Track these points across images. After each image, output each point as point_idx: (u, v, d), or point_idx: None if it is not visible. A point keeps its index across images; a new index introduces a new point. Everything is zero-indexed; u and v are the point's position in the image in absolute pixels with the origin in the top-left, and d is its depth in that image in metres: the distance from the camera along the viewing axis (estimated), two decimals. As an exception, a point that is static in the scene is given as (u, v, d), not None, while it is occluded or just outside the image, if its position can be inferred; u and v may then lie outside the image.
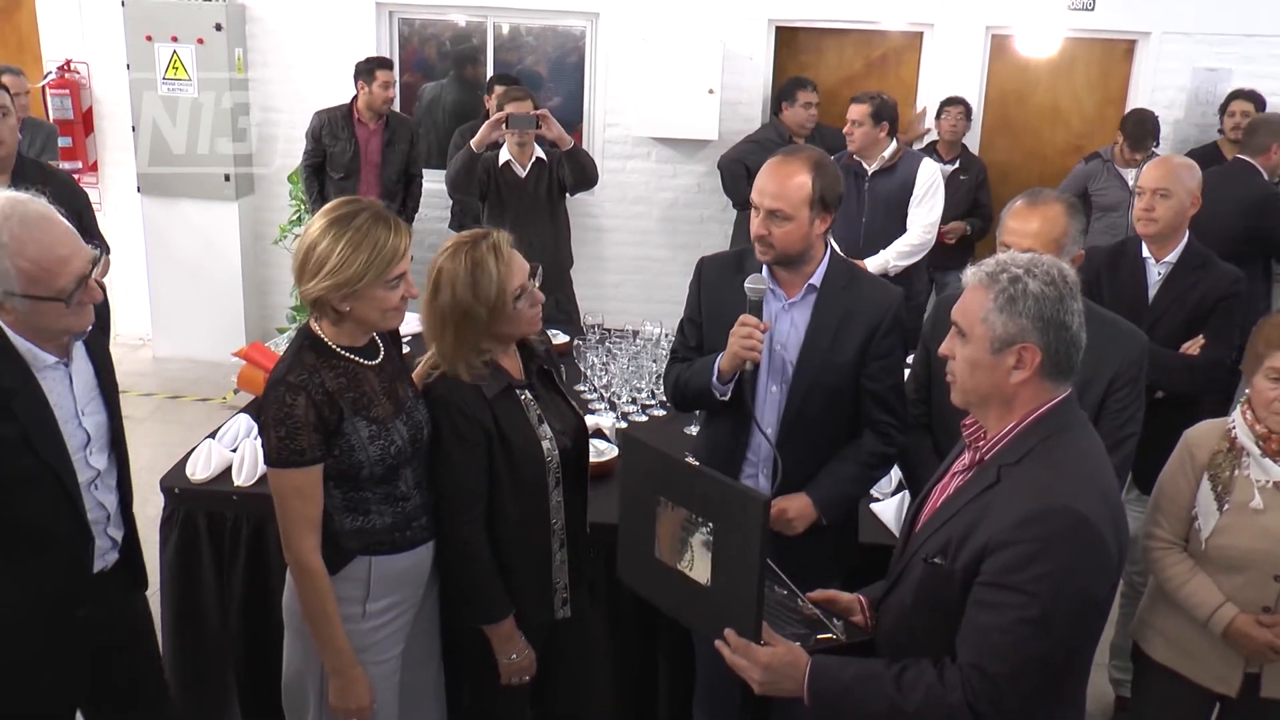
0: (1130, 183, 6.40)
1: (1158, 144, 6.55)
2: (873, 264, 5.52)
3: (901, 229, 5.65)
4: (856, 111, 5.65)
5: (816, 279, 3.05)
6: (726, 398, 3.02)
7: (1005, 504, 2.10)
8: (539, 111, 5.74)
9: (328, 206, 2.66)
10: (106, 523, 2.71)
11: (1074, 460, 2.13)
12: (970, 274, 2.22)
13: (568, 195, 6.11)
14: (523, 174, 5.85)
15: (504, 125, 5.66)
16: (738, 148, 6.87)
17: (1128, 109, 7.15)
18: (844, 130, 5.71)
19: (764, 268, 3.05)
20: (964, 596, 2.12)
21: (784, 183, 2.93)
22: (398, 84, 7.81)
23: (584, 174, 5.89)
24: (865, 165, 5.67)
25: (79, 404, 2.59)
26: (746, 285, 2.95)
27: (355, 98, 6.91)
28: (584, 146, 7.46)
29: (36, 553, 2.53)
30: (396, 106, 7.80)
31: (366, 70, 6.85)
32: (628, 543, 2.60)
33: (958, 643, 2.13)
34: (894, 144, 5.71)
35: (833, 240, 5.38)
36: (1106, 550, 2.06)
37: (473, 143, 5.69)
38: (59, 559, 2.58)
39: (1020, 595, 2.03)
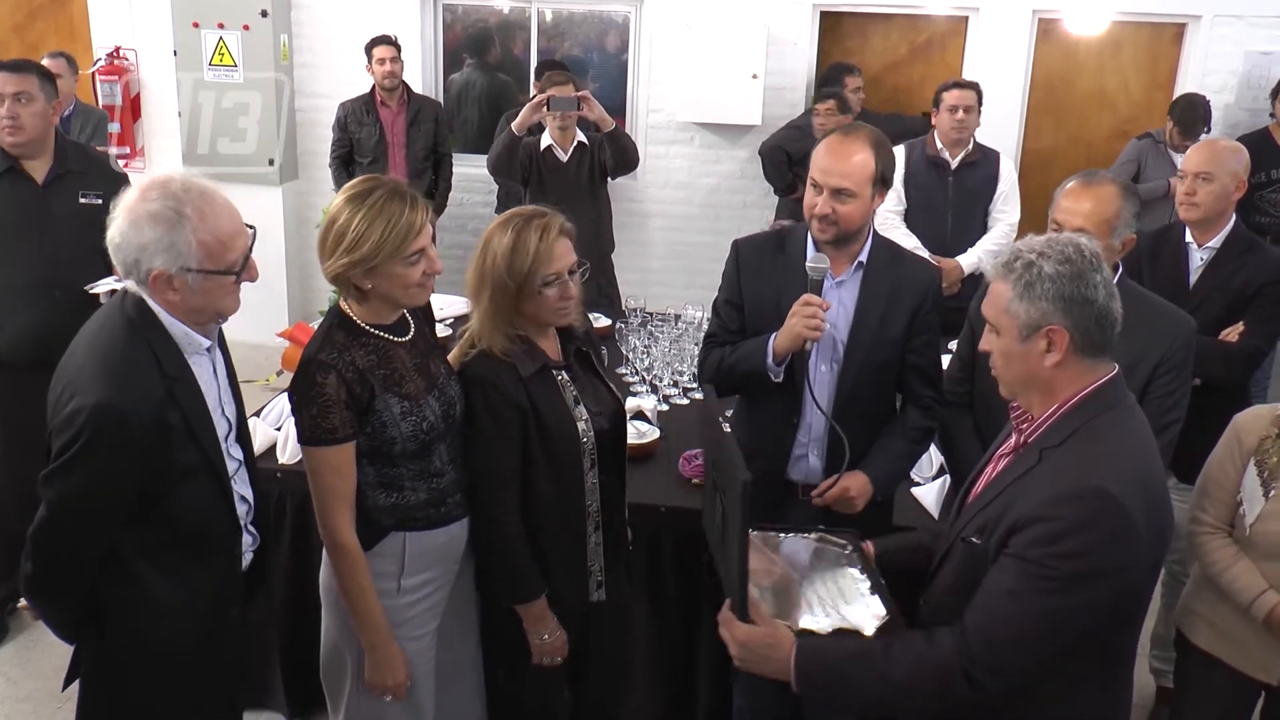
0: (1180, 166, 6.30)
1: (1209, 129, 6.40)
2: (965, 262, 5.33)
3: (982, 226, 5.46)
4: (967, 98, 5.40)
5: (863, 256, 3.06)
6: (780, 379, 3.02)
7: (1040, 483, 2.10)
8: (580, 93, 5.74)
9: (347, 185, 2.66)
10: (247, 516, 2.66)
11: (1115, 443, 2.11)
12: (990, 268, 2.22)
13: (609, 179, 6.12)
14: (564, 158, 5.86)
15: (545, 107, 5.67)
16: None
17: (1176, 93, 7.05)
18: (952, 120, 5.39)
19: (810, 247, 3.05)
20: None
21: (848, 160, 2.93)
22: (438, 69, 7.87)
23: (625, 156, 5.88)
24: (949, 158, 5.46)
25: (220, 391, 2.57)
26: (808, 265, 2.96)
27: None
28: (628, 131, 7.48)
29: (198, 550, 2.49)
30: (439, 93, 7.87)
31: (367, 50, 6.95)
32: (704, 501, 2.65)
33: (966, 609, 2.12)
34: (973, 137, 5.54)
35: (893, 226, 5.38)
36: (1134, 536, 2.03)
37: (514, 125, 5.70)
38: (216, 556, 2.55)
39: (1039, 568, 2.02)
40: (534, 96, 5.88)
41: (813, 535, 2.64)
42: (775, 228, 6.67)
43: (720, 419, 2.51)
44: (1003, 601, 2.06)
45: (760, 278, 3.14)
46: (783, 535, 2.66)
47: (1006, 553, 2.08)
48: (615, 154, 5.83)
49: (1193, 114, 6.36)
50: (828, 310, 2.95)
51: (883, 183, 2.98)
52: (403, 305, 2.71)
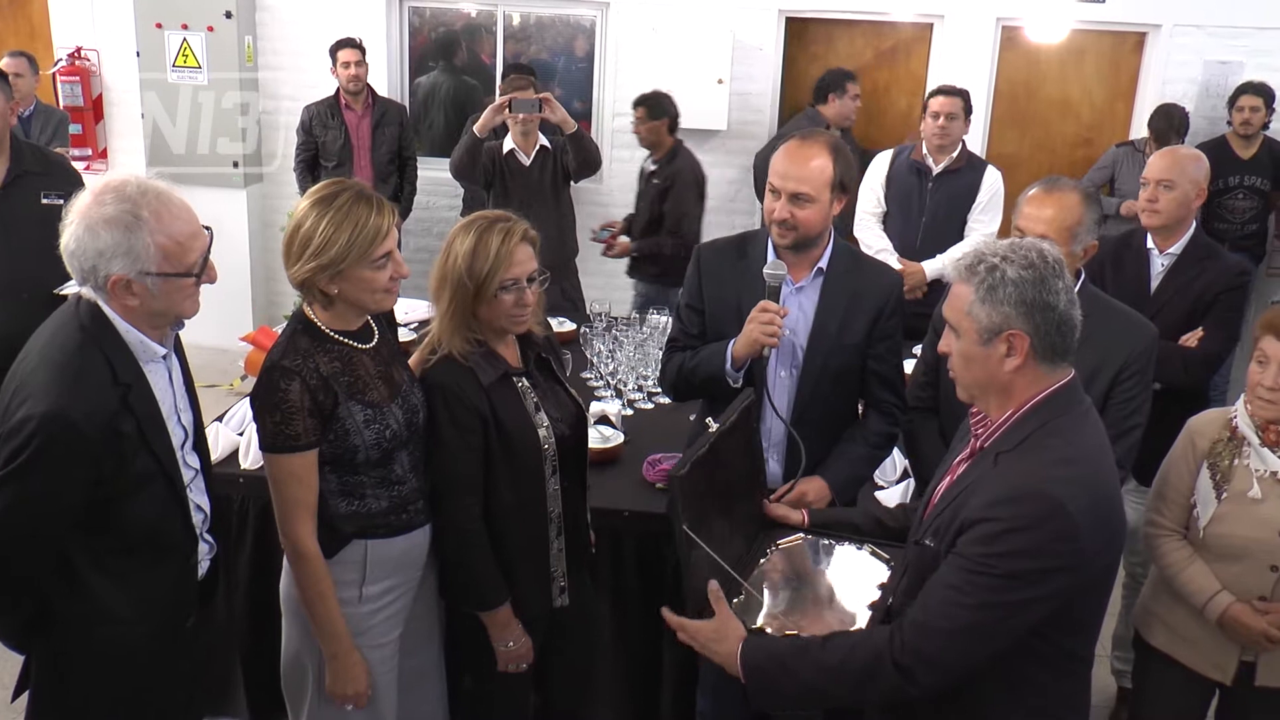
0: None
1: (1183, 140, 6.44)
2: (930, 268, 5.30)
3: (959, 234, 5.39)
4: (950, 104, 5.33)
5: (824, 262, 3.07)
6: (739, 384, 3.02)
7: (989, 485, 2.12)
8: (542, 95, 5.74)
9: (313, 189, 2.64)
10: (203, 525, 2.62)
11: (1065, 447, 2.13)
12: (952, 270, 2.23)
13: (572, 183, 6.11)
14: (527, 162, 5.86)
15: (507, 109, 5.66)
16: (774, 145, 6.66)
17: (1137, 102, 7.13)
18: (934, 126, 5.35)
19: (770, 252, 3.06)
20: None
21: (806, 165, 2.94)
22: (404, 72, 7.85)
23: (587, 158, 5.88)
24: (932, 164, 5.40)
25: (176, 399, 2.53)
26: (765, 271, 2.96)
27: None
28: (593, 136, 7.47)
29: (152, 559, 2.46)
30: (405, 96, 7.84)
31: (332, 53, 6.92)
32: None
33: (909, 605, 2.16)
34: (961, 144, 5.48)
35: (867, 228, 5.37)
36: (1076, 540, 2.04)
37: (475, 127, 5.69)
38: (171, 565, 2.52)
39: (978, 565, 2.05)
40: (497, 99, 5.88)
41: (864, 548, 2.67)
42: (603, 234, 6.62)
43: (709, 420, 2.61)
44: (940, 596, 2.09)
45: (721, 282, 3.14)
46: (835, 544, 2.70)
47: (952, 552, 2.11)
48: (578, 156, 5.82)
49: (1165, 124, 6.45)
50: (785, 317, 2.96)
51: (841, 188, 2.99)
52: (369, 310, 2.69)
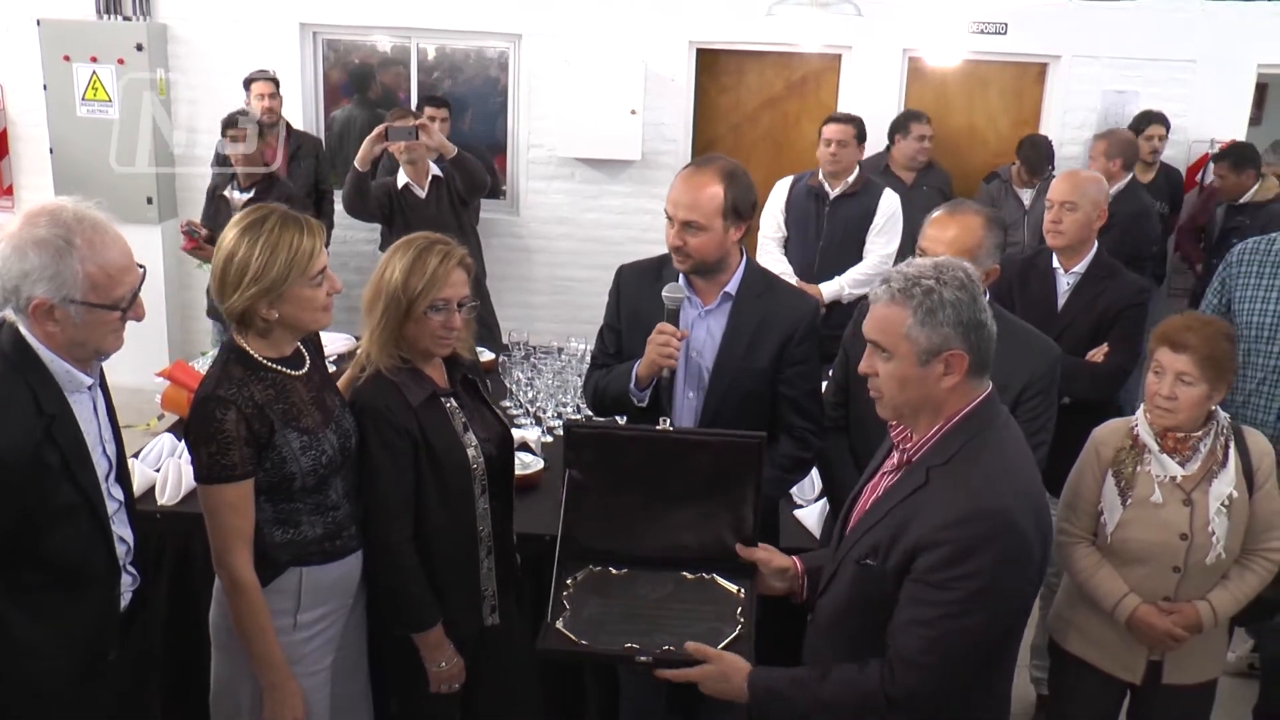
0: (1026, 203, 6.62)
1: (1053, 168, 6.69)
2: (827, 290, 5.43)
3: (857, 256, 5.55)
4: (840, 132, 5.52)
5: (732, 287, 3.11)
6: (644, 404, 3.07)
7: (934, 506, 2.17)
8: (418, 122, 5.81)
9: (235, 218, 2.64)
10: (126, 557, 2.58)
11: (998, 460, 2.20)
12: (880, 291, 2.26)
13: (468, 206, 6.16)
14: (422, 194, 5.91)
15: (384, 139, 5.70)
16: None
17: (1041, 129, 7.34)
18: (826, 153, 5.54)
19: (681, 276, 3.10)
20: (896, 594, 2.20)
21: (697, 194, 2.98)
22: (319, 105, 7.81)
23: (473, 181, 5.95)
24: (829, 189, 5.56)
25: (101, 429, 2.49)
26: (664, 294, 3.01)
27: None
28: (507, 167, 7.53)
29: (73, 592, 2.41)
30: (320, 130, 7.80)
31: (246, 85, 6.91)
32: None
33: (887, 637, 2.21)
34: (857, 169, 5.63)
35: (767, 252, 5.45)
36: (1029, 549, 2.14)
37: (356, 161, 5.74)
38: (92, 598, 2.46)
39: (945, 592, 2.11)
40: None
41: (707, 577, 2.73)
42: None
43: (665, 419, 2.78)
44: (918, 630, 2.15)
45: (636, 303, 3.20)
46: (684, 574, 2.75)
47: (912, 579, 2.16)
48: (464, 180, 5.92)
49: (1038, 153, 6.67)
50: (687, 339, 3.02)
51: (735, 214, 3.01)
52: (309, 329, 2.70)
